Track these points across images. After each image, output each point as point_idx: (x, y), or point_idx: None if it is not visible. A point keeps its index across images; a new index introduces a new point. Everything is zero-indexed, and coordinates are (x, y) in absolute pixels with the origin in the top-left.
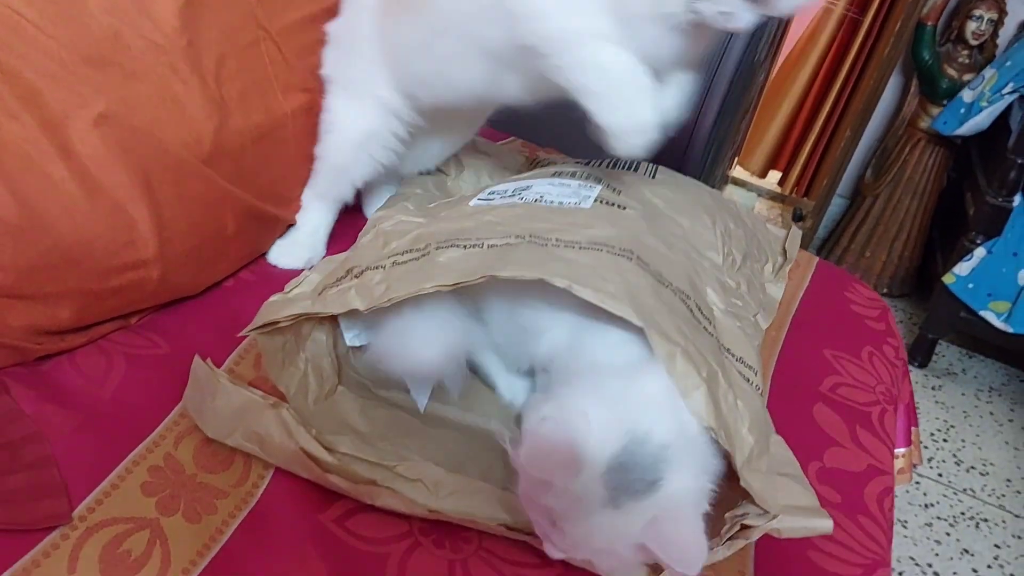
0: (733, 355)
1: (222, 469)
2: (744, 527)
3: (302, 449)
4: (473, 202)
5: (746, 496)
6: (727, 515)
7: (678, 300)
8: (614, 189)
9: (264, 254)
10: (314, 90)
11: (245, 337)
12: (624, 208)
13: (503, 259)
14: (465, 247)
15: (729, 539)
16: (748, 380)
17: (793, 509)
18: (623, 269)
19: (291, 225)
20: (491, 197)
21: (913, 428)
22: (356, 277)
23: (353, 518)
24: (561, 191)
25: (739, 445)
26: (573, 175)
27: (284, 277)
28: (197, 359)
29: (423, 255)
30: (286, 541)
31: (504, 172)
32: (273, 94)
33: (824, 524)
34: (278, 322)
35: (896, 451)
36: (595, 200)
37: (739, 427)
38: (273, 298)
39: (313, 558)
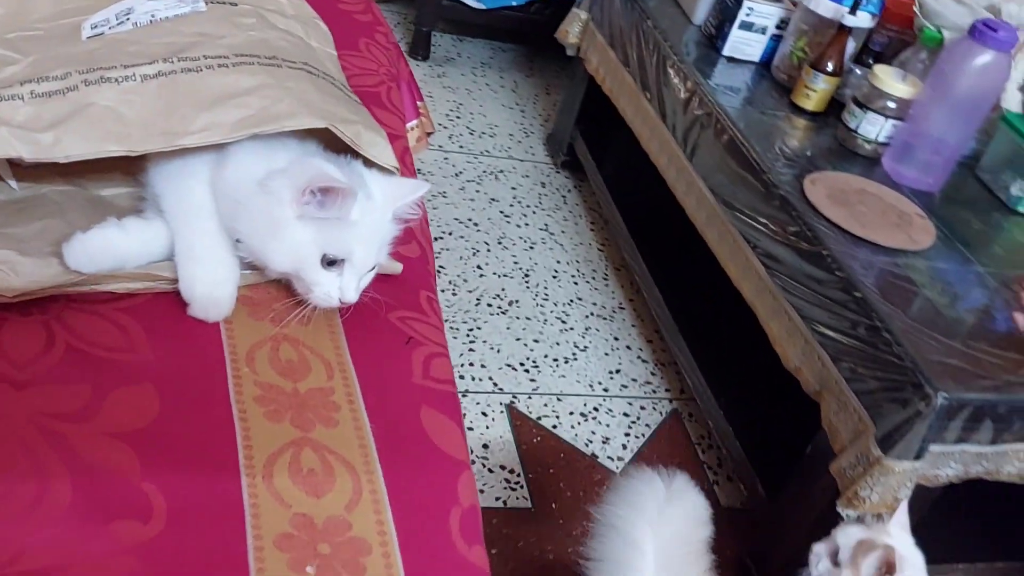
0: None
1: None
2: None
3: None
4: (86, 34)
5: None
6: None
7: (328, 83)
8: None
9: None
10: None
11: None
12: (235, 4)
13: (174, 108)
14: (118, 81)
15: None
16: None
17: None
18: (281, 78)
19: None
20: (100, 31)
21: (419, 102)
22: None
23: None
24: (166, 3)
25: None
26: None
27: None
28: None
29: (70, 89)
30: None
31: None
32: None
33: (396, 267)
34: None
35: (408, 124)
36: (205, 2)
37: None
38: None
39: None
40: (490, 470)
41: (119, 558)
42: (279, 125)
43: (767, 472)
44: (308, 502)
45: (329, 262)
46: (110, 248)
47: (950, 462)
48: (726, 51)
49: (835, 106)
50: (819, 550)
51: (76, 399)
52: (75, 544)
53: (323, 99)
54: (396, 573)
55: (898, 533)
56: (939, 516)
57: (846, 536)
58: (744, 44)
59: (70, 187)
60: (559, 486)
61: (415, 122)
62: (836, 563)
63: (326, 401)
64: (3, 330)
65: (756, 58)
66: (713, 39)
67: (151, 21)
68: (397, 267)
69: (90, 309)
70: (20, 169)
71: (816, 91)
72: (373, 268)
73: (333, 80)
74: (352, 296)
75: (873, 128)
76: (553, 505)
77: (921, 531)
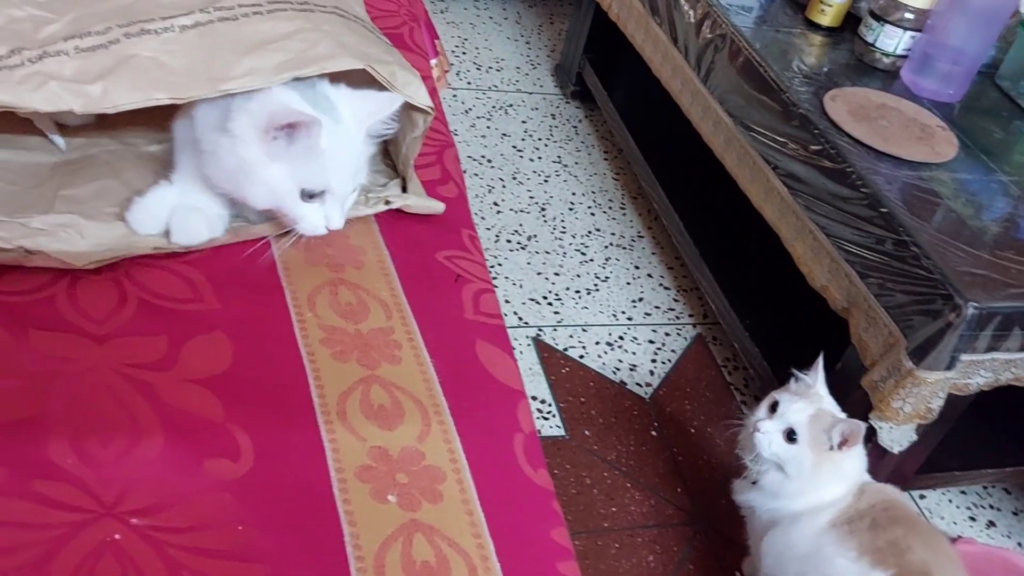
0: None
1: None
2: (387, 202)
3: None
4: None
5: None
6: (370, 195)
7: (360, 26)
8: None
9: None
10: None
11: None
12: None
13: (215, 56)
14: (158, 32)
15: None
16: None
17: (418, 196)
18: (316, 22)
19: None
20: None
21: (436, 40)
22: (33, 63)
23: (1, 279)
24: None
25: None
26: None
27: None
28: None
29: (112, 42)
30: None
31: None
32: None
33: (437, 206)
34: None
35: (430, 62)
36: None
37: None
38: None
39: None
40: None
41: (214, 495)
42: (319, 67)
43: None
44: (382, 435)
45: (309, 195)
46: (169, 205)
47: (980, 370)
48: None
49: (851, 20)
50: (768, 428)
51: (155, 350)
52: (173, 484)
53: (358, 41)
54: (471, 498)
55: (826, 394)
56: (968, 422)
57: (797, 413)
58: None
59: (119, 145)
60: (591, 414)
61: (434, 61)
62: (791, 440)
63: (388, 340)
64: (77, 289)
65: None
66: None
67: None
68: (439, 206)
69: (156, 264)
70: (67, 130)
71: (831, 6)
72: (355, 189)
73: (364, 23)
74: (338, 223)
75: (891, 41)
76: (586, 432)
77: (951, 437)
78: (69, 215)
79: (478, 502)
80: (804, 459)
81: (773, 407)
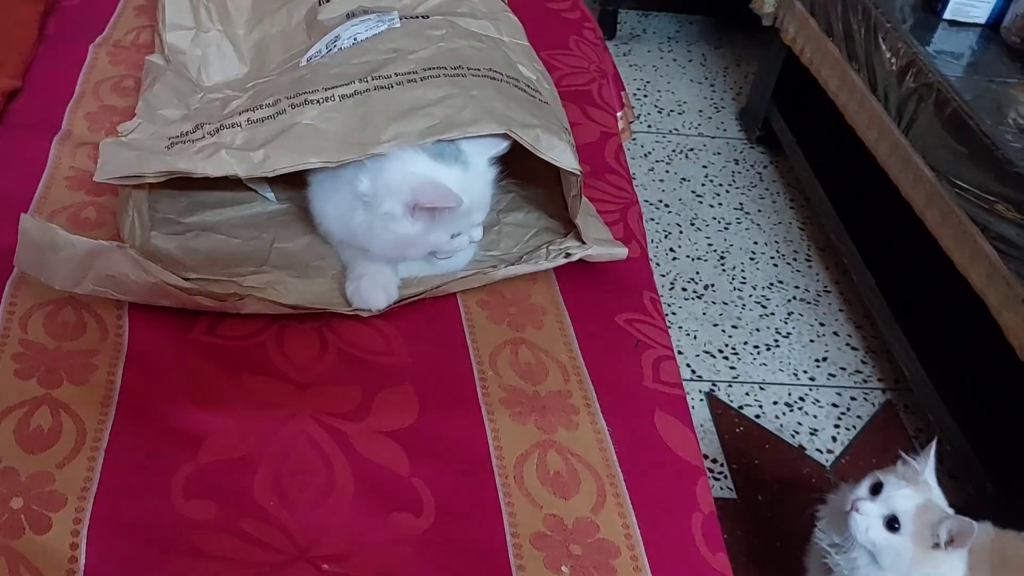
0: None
1: (79, 333)
2: (567, 254)
3: (162, 281)
4: (301, 66)
5: (567, 232)
6: (551, 247)
7: (512, 87)
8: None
9: None
10: None
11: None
12: (427, 16)
13: (367, 122)
14: (319, 102)
15: (553, 259)
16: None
17: (600, 241)
18: (466, 87)
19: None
20: (313, 62)
21: (622, 92)
22: (212, 135)
23: (219, 326)
24: (367, 25)
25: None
26: (365, 12)
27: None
28: (25, 216)
29: (279, 113)
30: (171, 365)
31: None
32: None
33: (621, 251)
34: (144, 176)
35: (616, 115)
36: (400, 18)
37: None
38: (110, 141)
39: (202, 369)
40: None
41: (397, 548)
42: (462, 132)
43: (996, 469)
44: (557, 503)
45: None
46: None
47: None
48: (947, 14)
49: None
50: (869, 510)
51: (350, 399)
52: (360, 533)
53: (505, 104)
54: None
55: (935, 484)
56: None
57: (904, 500)
58: (968, 5)
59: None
60: (765, 478)
61: (621, 112)
62: (893, 529)
63: (565, 404)
64: (285, 337)
65: (982, 20)
66: (932, 2)
67: (354, 43)
68: (622, 251)
69: (355, 316)
70: (282, 185)
71: None
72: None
73: (516, 82)
74: (481, 234)
75: None
76: (760, 497)
77: None
78: (276, 272)
79: None
80: (904, 552)
81: (875, 488)
